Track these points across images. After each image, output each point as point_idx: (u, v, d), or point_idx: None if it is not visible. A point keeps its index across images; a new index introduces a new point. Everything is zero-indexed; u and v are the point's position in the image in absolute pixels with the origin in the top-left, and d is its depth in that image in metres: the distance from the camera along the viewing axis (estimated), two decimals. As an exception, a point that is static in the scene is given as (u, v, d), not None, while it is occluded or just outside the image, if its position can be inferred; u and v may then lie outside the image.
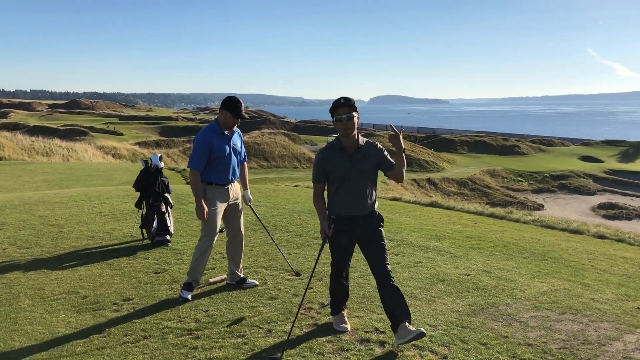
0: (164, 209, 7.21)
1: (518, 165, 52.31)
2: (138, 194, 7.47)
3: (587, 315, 4.73)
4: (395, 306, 3.97)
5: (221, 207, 5.13)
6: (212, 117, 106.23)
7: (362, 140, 4.10)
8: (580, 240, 7.96)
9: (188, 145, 48.68)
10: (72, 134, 59.68)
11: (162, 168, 7.51)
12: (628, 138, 70.20)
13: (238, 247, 5.36)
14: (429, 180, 42.55)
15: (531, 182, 47.88)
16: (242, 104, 5.02)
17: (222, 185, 5.13)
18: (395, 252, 6.78)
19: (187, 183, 19.25)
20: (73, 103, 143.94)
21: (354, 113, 3.95)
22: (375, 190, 4.20)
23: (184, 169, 23.74)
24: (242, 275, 5.46)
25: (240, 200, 5.38)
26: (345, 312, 4.46)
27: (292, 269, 5.80)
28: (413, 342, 3.98)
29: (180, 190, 12.02)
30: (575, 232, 8.59)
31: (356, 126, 4.01)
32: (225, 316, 4.61)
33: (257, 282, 5.46)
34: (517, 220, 9.52)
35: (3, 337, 4.20)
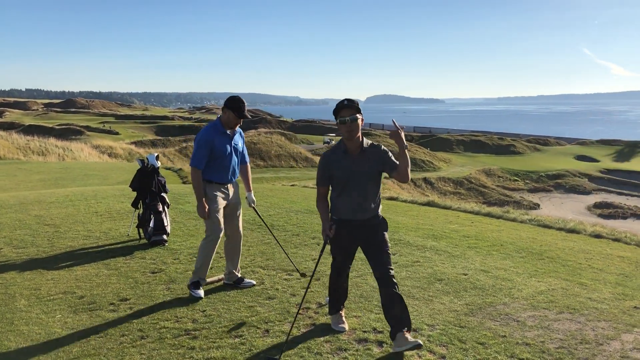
0: (160, 209, 7.19)
1: (514, 165, 52.47)
2: (134, 194, 7.44)
3: (584, 314, 4.74)
4: (396, 314, 3.90)
5: (221, 206, 5.13)
6: (208, 116, 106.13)
7: (366, 142, 4.01)
8: (576, 240, 7.97)
9: (184, 144, 48.60)
10: (67, 133, 59.56)
11: (158, 167, 7.48)
12: (623, 137, 70.49)
13: (236, 246, 5.35)
14: (425, 180, 42.64)
15: (527, 181, 48.04)
16: (246, 104, 5.02)
17: (222, 184, 5.12)
18: (393, 251, 6.76)
19: (184, 182, 19.22)
20: (69, 102, 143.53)
21: (357, 115, 3.87)
22: (379, 193, 4.11)
23: (180, 169, 23.69)
24: (239, 275, 5.44)
25: (239, 200, 5.37)
26: (343, 312, 4.45)
27: (297, 270, 5.72)
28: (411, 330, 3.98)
29: (176, 190, 11.99)
30: (571, 231, 8.60)
31: (360, 128, 3.94)
32: (222, 316, 4.60)
33: (254, 282, 5.45)
34: (513, 220, 9.52)
35: (-1, 338, 4.18)
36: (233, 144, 5.13)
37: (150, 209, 7.16)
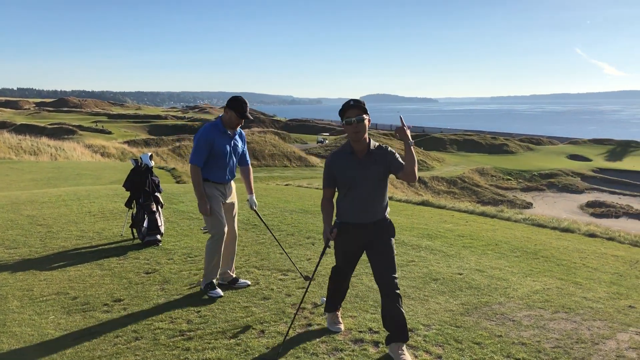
0: (154, 209, 7.14)
1: (507, 164, 52.62)
2: (128, 193, 7.40)
3: (579, 314, 4.74)
4: (395, 327, 3.83)
5: (220, 204, 5.11)
6: (201, 116, 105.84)
7: (373, 144, 3.89)
8: (571, 239, 7.99)
9: (177, 144, 48.41)
10: (60, 132, 59.23)
11: (152, 167, 7.44)
12: (615, 137, 70.84)
13: (231, 246, 5.32)
14: (418, 179, 42.64)
15: (520, 180, 48.19)
16: (248, 104, 4.99)
17: (219, 183, 5.09)
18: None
19: (177, 182, 19.15)
20: (61, 101, 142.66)
21: (364, 115, 3.75)
22: (386, 196, 4.00)
23: (174, 168, 23.60)
24: (234, 275, 5.42)
25: (235, 201, 5.35)
26: (339, 313, 4.41)
27: (300, 274, 5.60)
28: (407, 342, 3.95)
29: (170, 190, 11.94)
30: (565, 230, 8.62)
31: (367, 129, 3.85)
32: (217, 317, 4.57)
33: (249, 282, 5.42)
34: (508, 219, 9.54)
35: (-9, 340, 4.13)
36: (233, 145, 5.10)
37: (144, 208, 7.11)
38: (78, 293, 5.16)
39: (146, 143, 54.08)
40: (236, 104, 4.93)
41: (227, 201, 5.20)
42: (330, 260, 6.08)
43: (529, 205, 38.78)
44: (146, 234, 6.95)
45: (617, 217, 36.02)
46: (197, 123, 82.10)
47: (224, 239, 5.12)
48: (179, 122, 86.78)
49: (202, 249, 6.69)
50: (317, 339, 4.13)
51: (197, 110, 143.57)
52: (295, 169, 45.05)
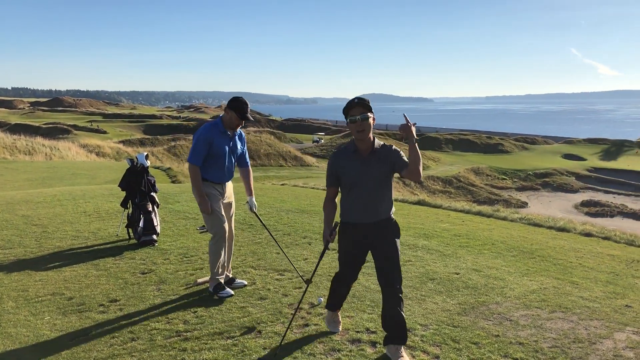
0: (150, 208, 7.12)
1: (502, 164, 52.76)
2: (123, 193, 7.36)
3: (576, 313, 4.75)
4: (394, 329, 3.81)
5: (219, 203, 5.09)
6: (197, 115, 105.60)
7: (377, 143, 3.81)
8: (567, 238, 8.00)
9: (173, 143, 48.33)
10: (54, 132, 59.03)
11: (148, 167, 7.41)
12: (610, 136, 71.12)
13: (228, 247, 5.30)
14: (414, 179, 42.64)
15: (515, 180, 48.33)
16: (249, 105, 4.97)
17: (217, 183, 5.07)
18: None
19: (173, 182, 19.10)
20: (56, 101, 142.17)
21: (368, 114, 3.67)
22: (390, 195, 3.90)
23: (169, 168, 23.55)
24: (230, 275, 5.39)
25: (233, 200, 5.33)
26: (339, 312, 4.37)
27: (301, 277, 5.51)
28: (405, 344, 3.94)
29: (166, 190, 11.91)
30: (561, 230, 8.64)
31: (372, 128, 3.76)
32: (214, 317, 4.55)
33: (246, 282, 5.41)
34: (504, 219, 9.55)
35: (-14, 341, 4.10)
36: (232, 145, 5.08)
37: (139, 208, 7.08)
38: (74, 293, 5.13)
39: (141, 143, 53.97)
40: (237, 104, 4.91)
41: (225, 201, 5.18)
42: (327, 260, 6.08)
43: (524, 205, 38.90)
44: (142, 234, 6.93)
45: (611, 216, 36.16)
46: (192, 123, 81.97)
47: (225, 238, 5.10)
48: (174, 122, 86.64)
49: (199, 249, 6.68)
50: (315, 339, 4.12)
51: (192, 109, 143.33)
52: (291, 168, 45.05)
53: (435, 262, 6.28)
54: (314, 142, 64.43)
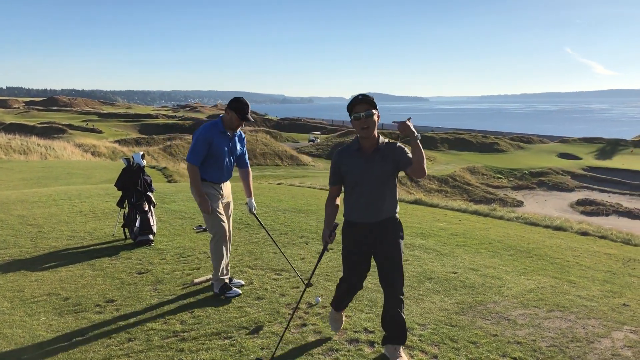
0: (146, 208, 7.09)
1: (498, 163, 52.82)
2: (119, 193, 7.33)
3: (574, 312, 4.75)
4: (394, 329, 3.78)
5: (219, 203, 5.07)
6: (193, 115, 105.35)
7: (382, 141, 3.74)
8: (563, 237, 8.01)
9: (169, 143, 48.23)
10: (50, 131, 58.79)
11: (144, 166, 7.38)
12: (605, 135, 71.28)
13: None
14: (410, 178, 42.72)
15: (510, 179, 48.39)
16: (250, 106, 4.94)
17: (215, 183, 5.05)
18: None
19: (169, 181, 19.04)
20: (51, 100, 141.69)
21: (373, 110, 3.60)
22: (395, 194, 3.82)
23: (165, 167, 23.48)
24: (228, 275, 5.37)
25: (231, 200, 5.31)
26: (343, 312, 4.31)
27: (301, 280, 5.44)
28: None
29: (162, 189, 11.87)
30: (558, 229, 8.64)
31: (376, 125, 3.67)
32: (211, 317, 4.53)
33: (243, 282, 5.39)
34: (501, 218, 9.55)
35: (-19, 342, 4.07)
36: (231, 145, 5.05)
37: (136, 208, 7.05)
38: (70, 294, 5.10)
39: (137, 142, 53.82)
40: (238, 105, 4.88)
41: (224, 201, 5.16)
42: (324, 260, 6.06)
43: (519, 204, 38.96)
44: (138, 234, 6.90)
45: (607, 215, 36.26)
46: (188, 122, 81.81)
47: (226, 238, 5.08)
48: (170, 121, 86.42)
49: (195, 249, 6.66)
50: (312, 339, 4.10)
51: (188, 109, 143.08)
52: (287, 167, 45.02)
53: (432, 262, 6.27)
54: (310, 141, 64.38)
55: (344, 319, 4.30)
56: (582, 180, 48.21)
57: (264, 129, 68.91)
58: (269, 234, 5.89)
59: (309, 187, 14.26)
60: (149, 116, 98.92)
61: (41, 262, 6.10)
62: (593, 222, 10.98)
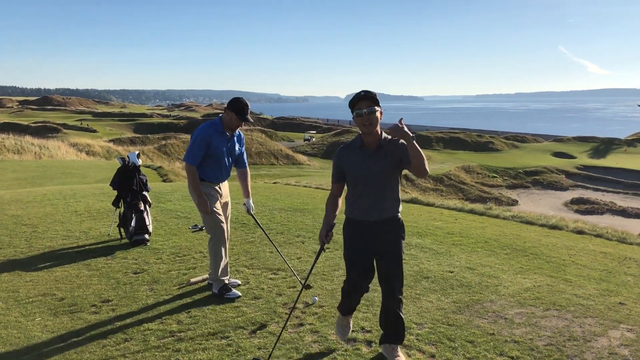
0: (142, 208, 7.06)
1: (492, 162, 52.92)
2: (114, 192, 7.30)
3: (571, 311, 4.75)
4: (392, 329, 3.78)
5: (217, 203, 5.05)
6: (187, 114, 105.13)
7: (385, 137, 3.64)
8: (559, 236, 8.02)
9: (163, 142, 48.09)
10: (44, 131, 58.52)
11: (140, 166, 7.35)
12: (599, 134, 71.51)
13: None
14: (405, 177, 42.76)
15: (505, 177, 48.48)
16: (249, 106, 4.91)
17: (213, 183, 5.02)
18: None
19: (164, 181, 18.99)
20: (45, 99, 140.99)
21: (375, 107, 3.50)
22: (398, 193, 3.75)
23: (160, 167, 23.41)
24: (228, 276, 5.35)
25: (229, 200, 5.29)
26: (351, 318, 4.14)
27: (298, 280, 5.40)
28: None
29: (157, 188, 11.82)
30: (554, 227, 8.66)
31: (379, 122, 3.58)
32: (208, 317, 4.51)
33: (239, 282, 5.37)
34: (496, 217, 9.56)
35: (-24, 343, 4.04)
36: (229, 145, 5.03)
37: (131, 207, 7.02)
38: (65, 294, 5.07)
39: (132, 141, 53.62)
40: (237, 105, 4.84)
41: (222, 201, 5.14)
42: (321, 259, 6.05)
43: (514, 203, 39.04)
44: (134, 234, 6.87)
45: (601, 213, 36.37)
46: (183, 121, 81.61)
47: (225, 238, 5.06)
48: (165, 121, 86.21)
49: (191, 248, 6.64)
50: (310, 339, 4.09)
51: (182, 108, 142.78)
52: (282, 167, 44.99)
53: (429, 261, 6.27)
54: (305, 140, 64.34)
55: (351, 325, 4.14)
56: (577, 179, 48.35)
57: (259, 128, 68.78)
58: (265, 234, 5.85)
59: (305, 186, 14.25)
60: (144, 115, 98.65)
61: (36, 262, 6.06)
62: (587, 220, 11.02)
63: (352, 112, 3.55)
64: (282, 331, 4.04)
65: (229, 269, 5.20)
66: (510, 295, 5.12)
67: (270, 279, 5.54)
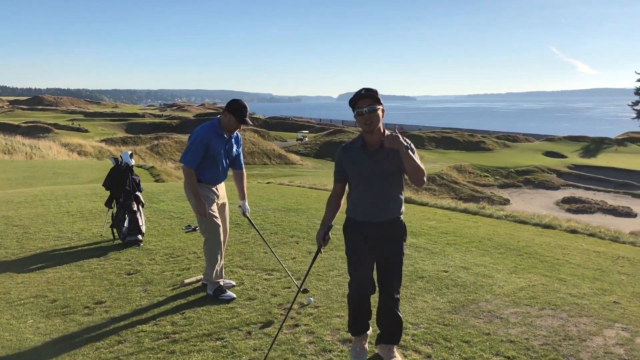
0: (135, 208, 7.01)
1: (484, 161, 53.08)
2: (107, 193, 7.24)
3: (565, 310, 4.76)
4: (389, 329, 3.75)
5: (214, 205, 5.01)
6: (180, 114, 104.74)
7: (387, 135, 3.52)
8: (553, 235, 8.05)
9: (155, 142, 47.88)
10: (35, 131, 58.11)
11: (132, 166, 7.30)
12: (589, 134, 71.92)
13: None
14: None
15: (497, 177, 48.64)
16: (248, 109, 4.88)
17: (210, 184, 4.99)
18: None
19: (157, 181, 18.89)
20: (35, 99, 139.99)
21: (377, 106, 3.40)
22: (401, 194, 3.65)
23: (152, 167, 23.30)
24: (222, 278, 5.31)
25: (226, 201, 5.25)
26: (367, 338, 3.93)
27: (293, 281, 5.34)
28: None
29: (150, 189, 11.76)
30: (547, 227, 8.69)
31: (381, 120, 3.47)
32: (202, 318, 4.48)
33: (234, 283, 5.34)
34: (490, 216, 9.59)
35: (-33, 346, 3.99)
36: (227, 147, 4.99)
37: (124, 208, 6.97)
38: (57, 296, 5.02)
39: (124, 141, 53.34)
40: (236, 107, 4.80)
41: (219, 202, 5.10)
42: (316, 260, 6.02)
43: (506, 202, 39.16)
44: (127, 234, 6.82)
45: (592, 212, 36.56)
46: (175, 121, 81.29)
47: (221, 240, 5.02)
48: (157, 120, 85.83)
49: (185, 249, 6.60)
50: (305, 340, 4.07)
51: (175, 108, 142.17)
52: (275, 166, 44.93)
53: (423, 260, 6.27)
54: (298, 140, 64.28)
55: (367, 347, 3.91)
56: (568, 178, 48.59)
57: (252, 127, 68.67)
58: (259, 234, 5.80)
59: (299, 186, 14.22)
60: (136, 115, 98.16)
61: (28, 264, 6.00)
62: (579, 219, 11.07)
63: (353, 110, 3.46)
64: (277, 332, 4.02)
65: (223, 271, 5.17)
66: (505, 295, 5.13)
67: (265, 279, 5.51)
